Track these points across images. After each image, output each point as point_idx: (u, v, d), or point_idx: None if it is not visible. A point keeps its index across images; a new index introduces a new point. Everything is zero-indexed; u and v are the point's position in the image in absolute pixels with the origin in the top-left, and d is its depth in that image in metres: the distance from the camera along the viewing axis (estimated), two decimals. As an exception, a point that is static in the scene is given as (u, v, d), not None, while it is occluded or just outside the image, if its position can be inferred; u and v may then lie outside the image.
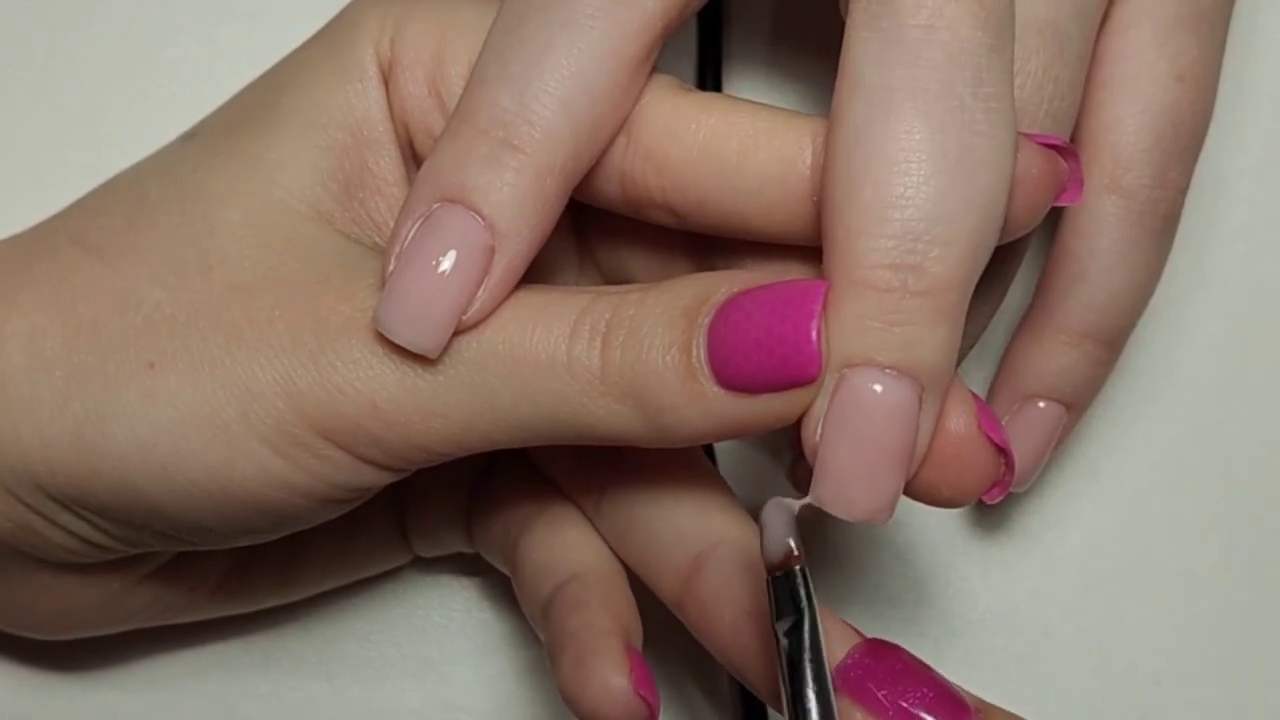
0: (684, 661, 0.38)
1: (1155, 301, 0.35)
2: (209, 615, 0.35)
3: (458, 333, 0.27)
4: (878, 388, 0.26)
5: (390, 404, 0.28)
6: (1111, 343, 0.35)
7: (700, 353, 0.26)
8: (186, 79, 0.37)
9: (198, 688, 0.37)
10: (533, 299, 0.28)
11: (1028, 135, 0.28)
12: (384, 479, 0.29)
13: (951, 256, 0.26)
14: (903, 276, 0.26)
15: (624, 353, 0.27)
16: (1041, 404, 0.35)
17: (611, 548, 0.33)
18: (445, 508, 0.36)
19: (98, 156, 0.33)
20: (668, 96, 0.29)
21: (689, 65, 0.39)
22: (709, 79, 0.39)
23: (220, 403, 0.28)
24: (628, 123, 0.29)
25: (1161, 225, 0.34)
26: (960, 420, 0.28)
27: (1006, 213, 0.27)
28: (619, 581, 0.32)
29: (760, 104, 0.29)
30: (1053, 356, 0.34)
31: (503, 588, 0.38)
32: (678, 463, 0.32)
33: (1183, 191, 0.34)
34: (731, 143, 0.29)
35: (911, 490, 0.28)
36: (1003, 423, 0.35)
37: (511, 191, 0.27)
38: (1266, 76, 0.40)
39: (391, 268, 0.28)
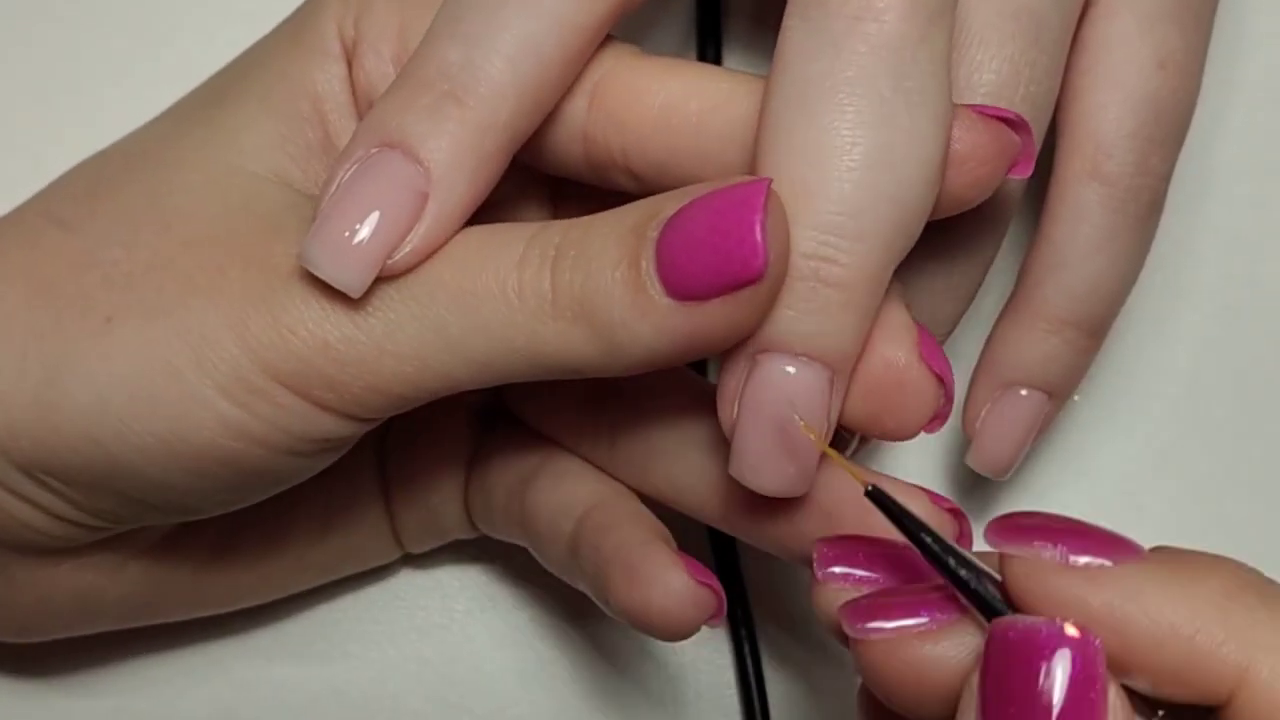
0: (685, 659, 0.38)
1: (1152, 297, 0.35)
2: (185, 615, 0.35)
3: (384, 276, 0.28)
4: (790, 369, 0.27)
5: (343, 342, 0.28)
6: (1093, 330, 0.34)
7: (649, 266, 0.26)
8: (186, 79, 0.37)
9: (197, 689, 0.37)
10: (480, 232, 0.28)
11: (971, 107, 0.29)
12: (345, 429, 0.29)
13: (861, 249, 0.27)
14: (815, 266, 0.27)
15: (573, 274, 0.27)
16: (1023, 391, 0.35)
17: (632, 487, 0.33)
18: (440, 489, 0.36)
19: (97, 156, 0.33)
20: (630, 61, 0.30)
21: (689, 59, 0.39)
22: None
23: (174, 350, 0.28)
24: (593, 85, 0.30)
25: (1144, 212, 0.34)
26: (903, 350, 0.28)
27: (953, 189, 0.28)
28: (636, 504, 0.33)
29: (722, 69, 0.30)
30: (1034, 343, 0.34)
31: (503, 588, 0.38)
32: (681, 388, 0.32)
33: (1165, 179, 0.34)
34: (691, 104, 0.29)
35: (855, 423, 0.29)
36: (984, 408, 0.35)
37: (450, 141, 0.28)
38: (1257, 66, 0.40)
39: (324, 205, 0.28)
